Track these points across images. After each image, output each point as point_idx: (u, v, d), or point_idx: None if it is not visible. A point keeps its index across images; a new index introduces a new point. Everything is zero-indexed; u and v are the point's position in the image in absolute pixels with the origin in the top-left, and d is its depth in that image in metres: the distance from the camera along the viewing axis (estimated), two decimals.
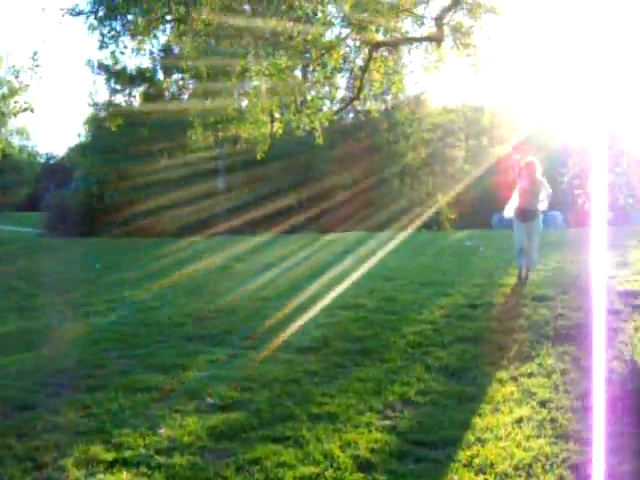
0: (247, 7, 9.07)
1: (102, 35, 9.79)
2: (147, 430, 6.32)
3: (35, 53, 27.40)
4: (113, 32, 9.65)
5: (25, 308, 14.51)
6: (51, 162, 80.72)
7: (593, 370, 7.88)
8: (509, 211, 12.67)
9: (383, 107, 40.32)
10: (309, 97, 12.07)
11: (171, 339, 10.25)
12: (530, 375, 7.83)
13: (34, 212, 56.68)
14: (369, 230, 27.98)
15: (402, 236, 20.98)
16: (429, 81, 64.12)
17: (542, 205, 12.45)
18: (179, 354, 9.29)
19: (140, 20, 9.58)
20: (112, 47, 10.36)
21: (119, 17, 9.58)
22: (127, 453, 5.79)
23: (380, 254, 17.64)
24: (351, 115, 41.02)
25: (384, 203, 33.21)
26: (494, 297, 11.75)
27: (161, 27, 11.70)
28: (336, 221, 33.43)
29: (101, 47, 10.05)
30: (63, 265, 22.58)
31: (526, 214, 12.41)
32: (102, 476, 5.35)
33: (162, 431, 6.30)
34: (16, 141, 79.57)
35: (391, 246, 18.86)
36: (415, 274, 14.39)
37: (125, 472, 5.42)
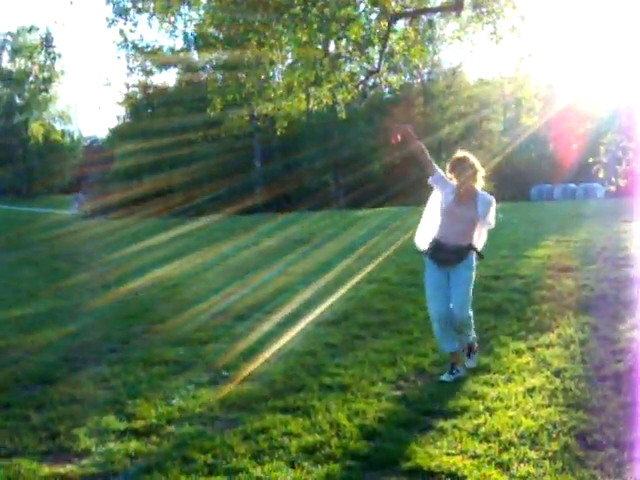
0: None
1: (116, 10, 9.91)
2: (160, 401, 6.43)
3: (48, 33, 27.63)
4: (120, 10, 9.78)
5: (60, 288, 14.80)
6: (94, 145, 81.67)
7: (612, 340, 7.82)
8: (421, 239, 7.38)
9: (418, 80, 40.12)
10: (332, 71, 12.02)
11: (196, 314, 10.38)
12: (548, 345, 7.79)
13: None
14: (405, 205, 27.87)
15: None
16: (465, 54, 63.40)
17: (479, 243, 7.22)
18: (201, 329, 9.41)
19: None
20: (121, 24, 10.53)
21: None
22: (138, 423, 5.91)
23: (414, 228, 17.59)
24: (387, 90, 40.80)
25: (420, 178, 33.02)
26: (519, 269, 11.68)
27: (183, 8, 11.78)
28: (371, 196, 33.37)
29: (110, 24, 10.22)
30: (100, 246, 22.94)
31: (446, 253, 7.02)
32: (112, 445, 5.46)
33: (174, 402, 6.41)
34: (59, 126, 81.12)
35: None
36: None
37: (135, 441, 5.53)
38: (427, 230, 7.23)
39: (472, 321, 7.09)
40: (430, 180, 7.03)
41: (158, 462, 5.10)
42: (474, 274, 7.04)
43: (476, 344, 7.29)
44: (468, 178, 6.90)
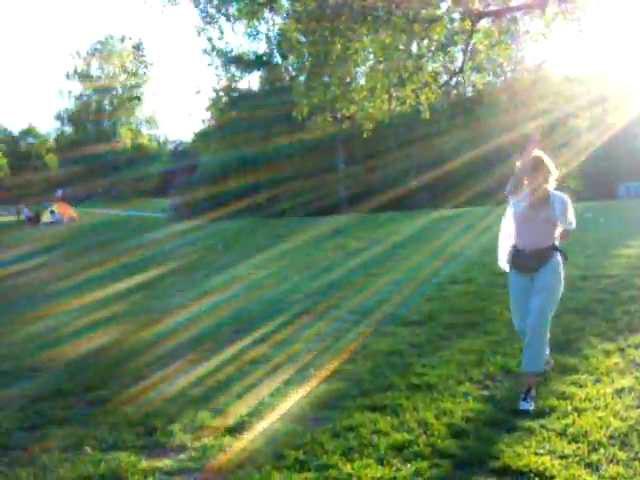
0: None
1: (206, 18, 10.21)
2: (252, 399, 6.63)
3: (140, 43, 28.68)
4: (208, 17, 10.06)
5: (151, 289, 15.25)
6: (180, 148, 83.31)
7: None
8: (502, 258, 6.91)
9: (502, 78, 39.73)
10: (415, 72, 12.06)
11: (282, 315, 10.59)
12: (637, 346, 7.67)
13: (165, 197, 58.75)
14: (487, 204, 27.61)
15: None
16: (550, 51, 62.41)
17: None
18: (289, 328, 9.60)
19: (242, 5, 9.90)
20: (210, 32, 10.80)
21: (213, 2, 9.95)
22: (231, 420, 6.11)
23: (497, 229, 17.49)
24: (470, 89, 40.53)
25: (506, 176, 32.64)
26: (606, 268, 11.50)
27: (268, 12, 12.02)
28: (453, 196, 33.15)
29: (199, 33, 10.54)
30: (188, 247, 23.49)
31: (526, 259, 6.50)
32: (206, 440, 5.67)
33: (266, 399, 6.60)
34: (145, 130, 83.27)
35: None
36: None
37: (228, 437, 5.73)
38: (505, 245, 6.80)
39: (547, 335, 6.37)
40: (507, 191, 6.59)
41: (251, 458, 5.27)
42: (561, 280, 6.43)
43: (551, 361, 6.86)
44: (540, 179, 6.38)
